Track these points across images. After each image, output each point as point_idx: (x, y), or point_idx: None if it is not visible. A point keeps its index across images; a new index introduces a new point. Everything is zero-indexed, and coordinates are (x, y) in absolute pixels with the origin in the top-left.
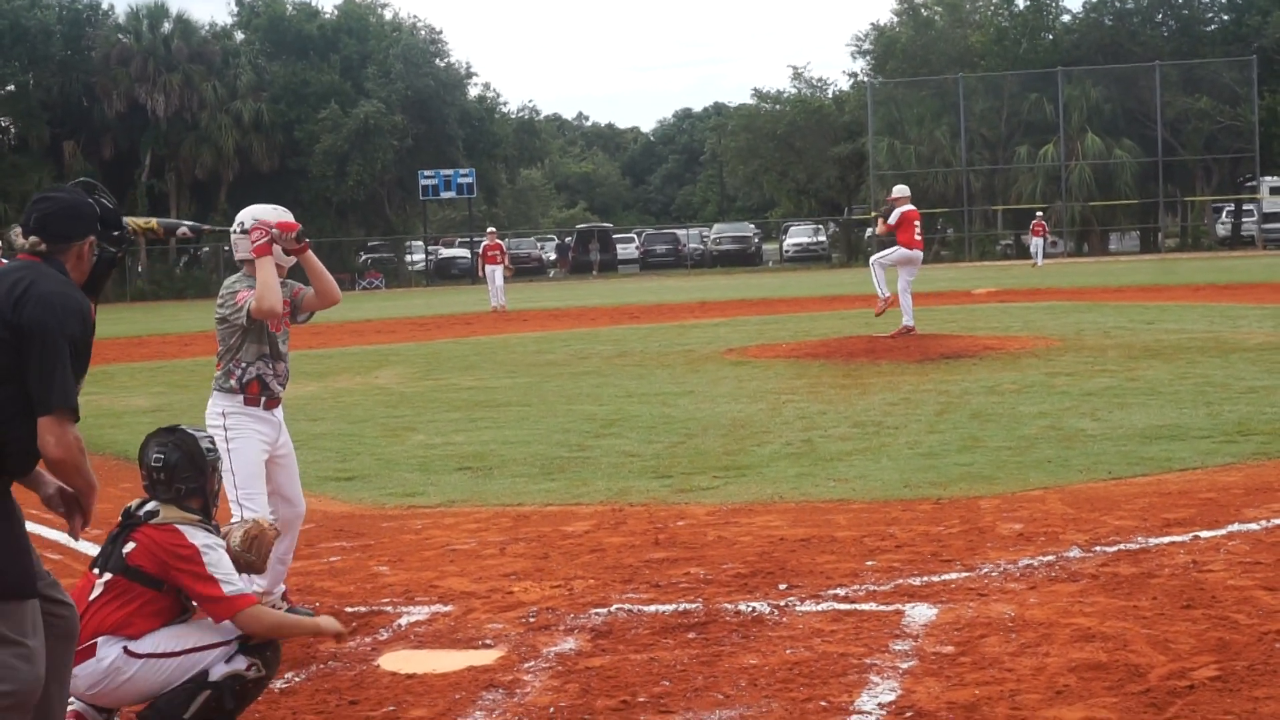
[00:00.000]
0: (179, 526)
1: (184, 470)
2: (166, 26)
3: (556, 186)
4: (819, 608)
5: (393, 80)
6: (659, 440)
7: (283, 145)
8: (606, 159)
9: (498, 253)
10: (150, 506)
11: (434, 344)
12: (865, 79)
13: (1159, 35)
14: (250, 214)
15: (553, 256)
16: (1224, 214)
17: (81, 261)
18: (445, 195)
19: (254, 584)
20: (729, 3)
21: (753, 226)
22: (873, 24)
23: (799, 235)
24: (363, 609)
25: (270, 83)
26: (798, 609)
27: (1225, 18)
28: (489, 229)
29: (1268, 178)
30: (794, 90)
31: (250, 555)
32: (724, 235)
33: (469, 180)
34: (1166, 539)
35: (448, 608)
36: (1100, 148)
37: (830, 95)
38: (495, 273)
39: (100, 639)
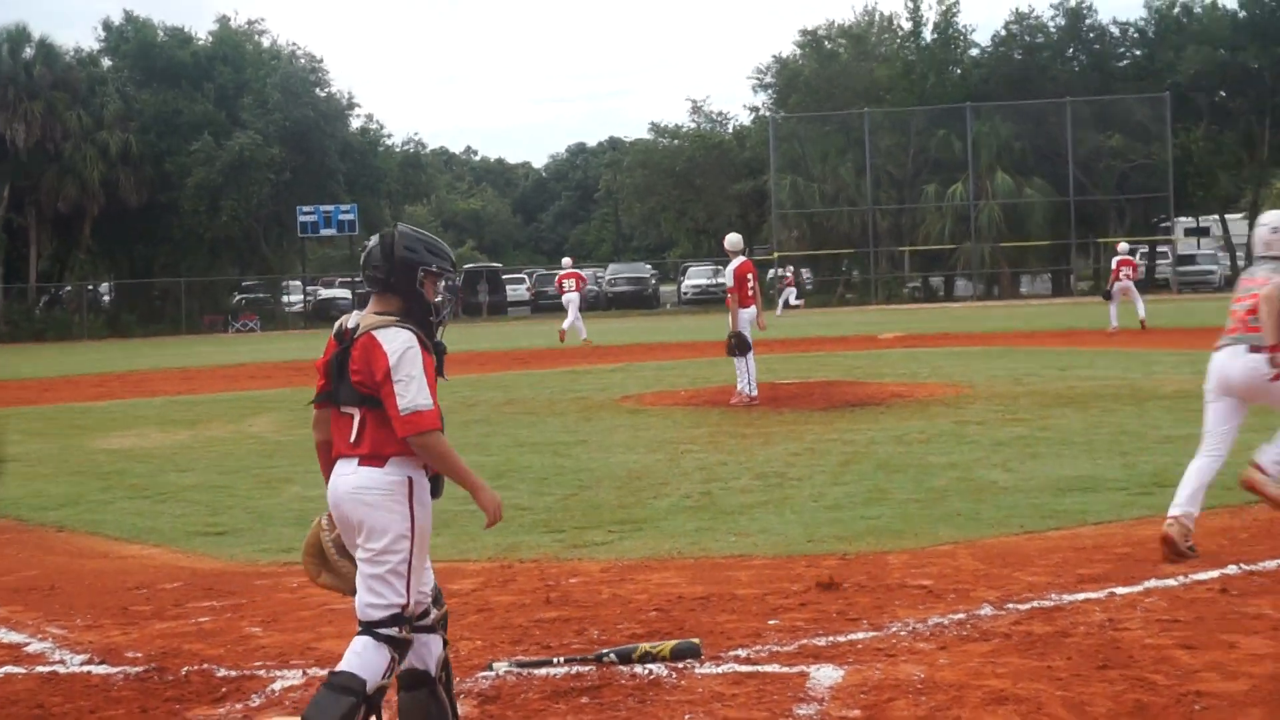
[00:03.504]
0: (375, 334)
1: (374, 259)
2: (28, 51)
3: (443, 224)
4: (719, 670)
5: (270, 111)
6: (550, 493)
7: (152, 178)
8: (496, 196)
9: (573, 280)
10: (353, 320)
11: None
12: (767, 113)
13: (1070, 70)
14: None
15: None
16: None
17: None
18: (325, 232)
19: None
20: (626, 33)
21: (649, 267)
22: (775, 56)
23: (698, 276)
24: (233, 673)
25: (139, 112)
26: (697, 671)
27: (1138, 53)
28: (565, 259)
29: (1182, 219)
30: (693, 125)
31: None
32: (619, 276)
33: (350, 217)
34: (1081, 596)
35: (325, 671)
36: (1010, 186)
37: (731, 130)
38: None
39: (394, 458)
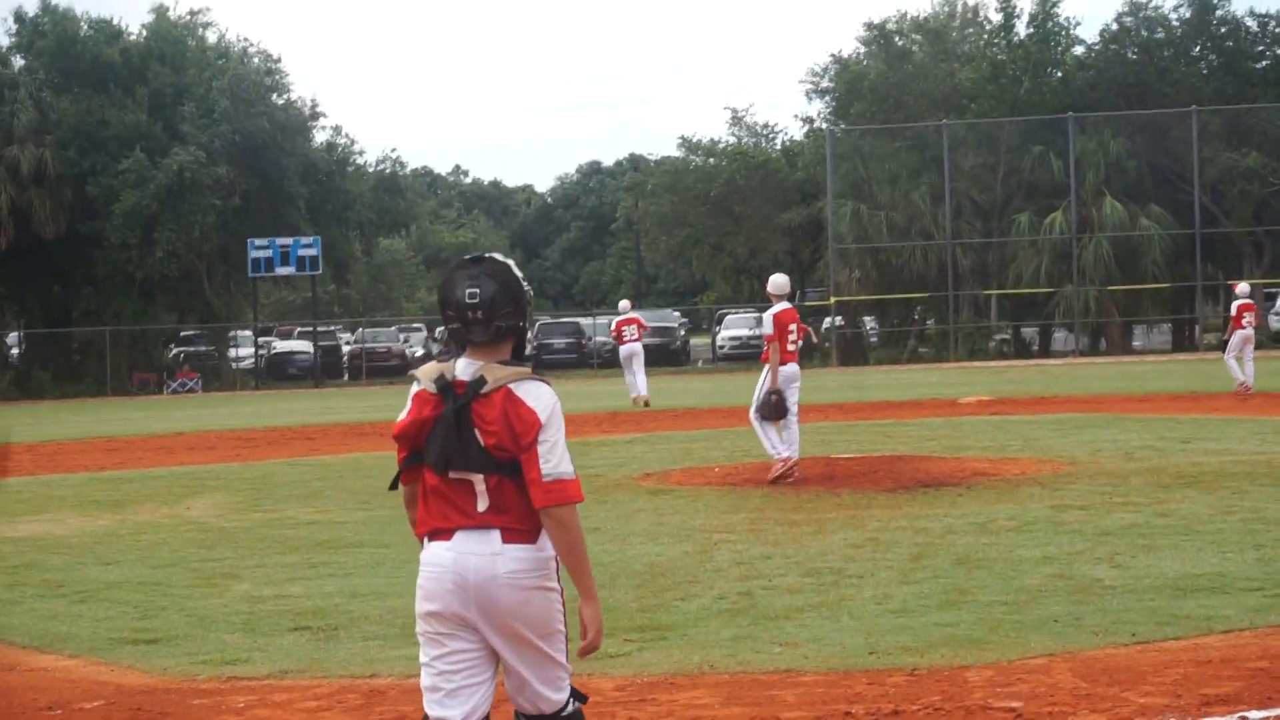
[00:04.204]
0: (514, 389)
1: (503, 305)
2: None
3: (425, 261)
4: None
5: (216, 121)
6: None
7: (72, 204)
8: (490, 226)
9: (634, 328)
10: (472, 374)
11: (264, 465)
12: (823, 125)
13: (1196, 73)
14: None
15: (419, 352)
16: (1279, 302)
17: None
18: (282, 271)
19: None
20: (649, 30)
21: (678, 315)
22: (833, 56)
23: (737, 326)
24: None
25: (58, 123)
26: None
27: (1279, 51)
28: (623, 302)
29: None
30: (732, 139)
31: None
32: None
33: (313, 252)
34: None
35: None
36: (1122, 216)
37: (779, 146)
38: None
39: (544, 531)
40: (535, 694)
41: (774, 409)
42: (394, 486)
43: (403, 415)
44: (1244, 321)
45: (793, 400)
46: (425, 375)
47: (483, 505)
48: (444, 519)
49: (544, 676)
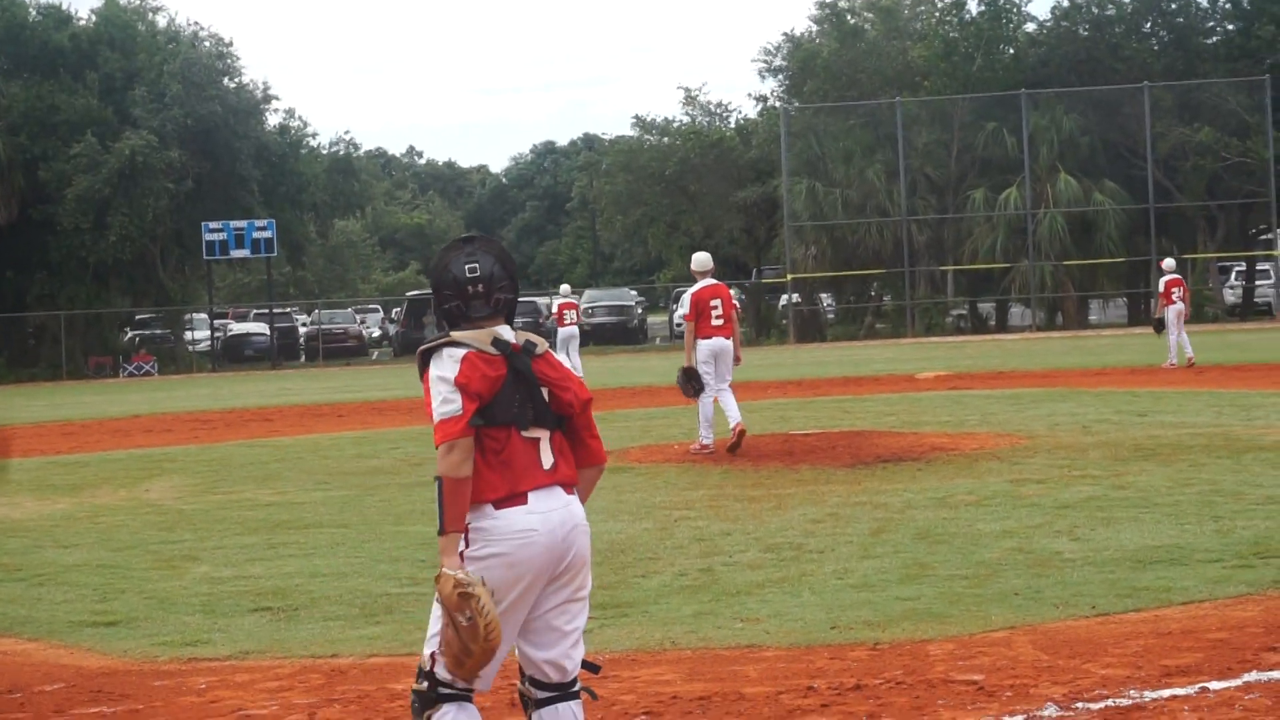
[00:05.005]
0: (552, 355)
1: (500, 278)
2: None
3: (381, 242)
4: None
5: (167, 105)
6: None
7: (23, 190)
8: (445, 207)
9: (573, 312)
10: (516, 338)
11: (222, 447)
12: (777, 104)
13: (1148, 49)
14: None
15: (376, 332)
16: (1233, 275)
17: None
18: (236, 254)
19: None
20: (601, 10)
21: (635, 293)
22: (786, 34)
23: None
24: None
25: (7, 109)
26: None
27: (1230, 27)
28: (564, 286)
29: None
30: (686, 119)
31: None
32: (598, 304)
33: (267, 235)
34: (1167, 692)
35: None
36: (1076, 191)
37: (733, 125)
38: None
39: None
40: (567, 655)
41: (685, 385)
42: (462, 434)
43: (452, 373)
44: (1174, 297)
45: (725, 370)
46: (475, 339)
47: (548, 462)
48: (517, 482)
49: (580, 635)
